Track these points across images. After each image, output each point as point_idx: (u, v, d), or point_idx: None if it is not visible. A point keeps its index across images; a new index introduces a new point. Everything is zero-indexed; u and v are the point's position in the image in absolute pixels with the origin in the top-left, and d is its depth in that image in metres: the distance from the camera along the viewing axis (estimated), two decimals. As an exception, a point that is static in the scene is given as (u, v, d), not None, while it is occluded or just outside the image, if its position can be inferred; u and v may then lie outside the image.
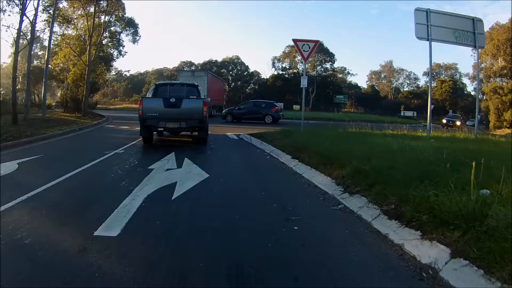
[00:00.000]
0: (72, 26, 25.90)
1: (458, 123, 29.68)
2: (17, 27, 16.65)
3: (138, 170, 6.64)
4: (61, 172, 5.99)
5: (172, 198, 4.70)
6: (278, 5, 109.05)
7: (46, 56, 19.92)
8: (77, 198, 4.69)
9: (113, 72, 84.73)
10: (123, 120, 23.61)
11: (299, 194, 5.32)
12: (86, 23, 24.96)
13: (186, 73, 33.89)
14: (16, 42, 16.23)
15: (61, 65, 30.22)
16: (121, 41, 32.82)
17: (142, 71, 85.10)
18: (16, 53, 16.08)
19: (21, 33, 19.02)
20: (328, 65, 73.24)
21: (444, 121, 32.36)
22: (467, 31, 12.26)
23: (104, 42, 28.94)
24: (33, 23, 18.78)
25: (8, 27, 20.15)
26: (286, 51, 73.56)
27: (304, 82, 11.95)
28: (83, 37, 25.83)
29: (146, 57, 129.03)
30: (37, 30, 22.92)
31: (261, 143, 10.48)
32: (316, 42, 12.56)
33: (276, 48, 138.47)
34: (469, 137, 11.79)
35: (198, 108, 9.60)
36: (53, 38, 25.78)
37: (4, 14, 17.72)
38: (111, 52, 29.48)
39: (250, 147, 10.55)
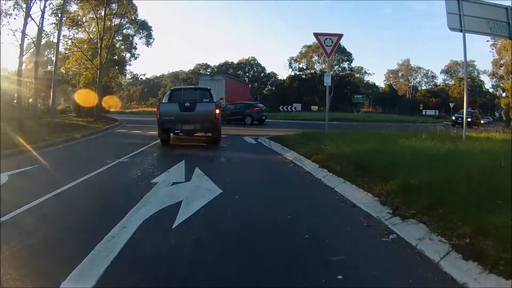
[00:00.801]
0: (82, 29, 25.41)
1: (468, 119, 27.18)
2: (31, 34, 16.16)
3: (139, 184, 5.65)
4: (49, 188, 5.10)
5: (173, 226, 3.64)
6: (292, 6, 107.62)
7: (54, 60, 19.25)
8: (55, 226, 3.71)
9: (128, 76, 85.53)
10: (136, 124, 23.07)
11: (335, 217, 4.20)
12: (96, 26, 24.43)
13: (206, 77, 34.66)
14: (21, 45, 15.61)
15: (74, 69, 29.85)
16: (134, 43, 32.17)
17: (158, 75, 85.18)
18: (20, 57, 15.47)
19: (29, 38, 18.55)
20: (345, 65, 71.71)
21: (453, 118, 29.53)
22: (501, 21, 10.87)
23: (117, 45, 28.33)
24: (40, 27, 18.24)
25: (15, 30, 19.44)
26: (303, 51, 72.38)
27: (327, 80, 10.83)
28: (94, 40, 25.32)
29: (161, 61, 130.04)
30: (45, 34, 22.61)
31: (282, 148, 9.37)
32: (340, 35, 11.41)
33: (292, 48, 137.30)
34: (507, 137, 10.41)
35: (211, 111, 10.22)
36: (63, 42, 25.38)
37: (10, 17, 17.10)
38: (124, 55, 28.82)
39: (270, 153, 9.44)
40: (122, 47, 28.90)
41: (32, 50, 49.92)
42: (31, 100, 49.72)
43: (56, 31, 23.75)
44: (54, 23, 20.60)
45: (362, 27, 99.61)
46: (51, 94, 19.36)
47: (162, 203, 4.48)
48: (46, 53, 47.08)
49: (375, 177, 5.01)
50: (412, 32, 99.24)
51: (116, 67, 28.00)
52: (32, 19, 17.43)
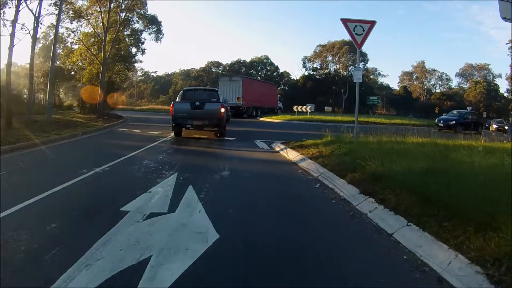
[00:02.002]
0: (86, 22, 23.89)
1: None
2: (29, 25, 14.59)
3: (101, 214, 3.88)
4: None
5: None
6: (306, 6, 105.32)
7: (51, 52, 17.71)
8: None
9: (139, 73, 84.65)
10: (140, 122, 21.69)
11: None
12: (101, 19, 22.91)
13: (225, 77, 34.93)
14: (11, 35, 14.07)
15: (80, 64, 28.43)
16: (141, 38, 30.69)
17: (169, 72, 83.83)
18: (11, 49, 13.96)
19: (26, 29, 17.06)
20: (361, 65, 69.36)
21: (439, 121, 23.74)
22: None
23: (123, 39, 26.81)
24: (36, 16, 16.71)
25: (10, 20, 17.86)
26: (317, 51, 70.57)
27: (358, 76, 8.92)
28: (99, 34, 23.83)
29: (173, 58, 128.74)
30: (49, 26, 21.05)
31: (303, 159, 7.47)
32: (372, 22, 9.46)
33: (306, 47, 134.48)
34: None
35: (218, 110, 11.69)
36: (66, 34, 23.91)
37: (5, 7, 15.58)
38: (130, 49, 27.21)
39: (287, 164, 7.54)
40: (127, 41, 27.31)
41: (40, 45, 49.02)
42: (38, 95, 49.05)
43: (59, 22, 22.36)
44: (54, 14, 18.97)
45: (376, 28, 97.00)
46: (48, 88, 17.86)
47: (118, 261, 2.70)
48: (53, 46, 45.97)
49: (460, 222, 3.14)
50: (426, 34, 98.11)
51: (122, 63, 26.30)
52: (27, 5, 15.92)
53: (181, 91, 13.65)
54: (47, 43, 48.43)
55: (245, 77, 34.62)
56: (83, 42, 23.89)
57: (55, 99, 44.99)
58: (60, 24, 22.63)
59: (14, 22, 14.31)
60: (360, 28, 9.42)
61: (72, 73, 34.74)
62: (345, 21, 9.33)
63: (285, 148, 8.84)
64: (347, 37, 76.44)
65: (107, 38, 22.96)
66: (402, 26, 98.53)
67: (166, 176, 5.79)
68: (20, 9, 15.08)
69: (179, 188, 4.98)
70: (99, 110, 22.46)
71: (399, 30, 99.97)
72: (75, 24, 24.29)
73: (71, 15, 22.20)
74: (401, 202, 3.94)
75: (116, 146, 10.05)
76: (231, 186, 5.38)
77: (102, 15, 22.62)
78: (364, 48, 67.63)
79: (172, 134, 12.35)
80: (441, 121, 23.16)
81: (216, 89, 13.84)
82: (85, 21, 23.99)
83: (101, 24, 23.10)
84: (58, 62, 39.69)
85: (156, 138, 11.75)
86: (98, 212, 3.98)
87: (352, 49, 67.16)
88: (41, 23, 19.21)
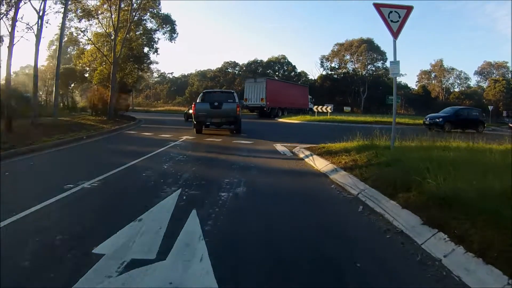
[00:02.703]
0: (97, 21, 23.10)
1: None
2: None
3: (59, 264, 2.70)
4: None
5: None
6: (322, 5, 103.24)
7: (57, 52, 16.90)
8: None
9: (155, 74, 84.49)
10: (153, 124, 20.97)
11: None
12: (111, 17, 22.07)
13: (250, 79, 36.87)
14: (11, 33, 13.24)
15: (93, 65, 27.75)
16: (154, 38, 29.88)
17: (186, 74, 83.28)
18: (10, 46, 13.13)
19: (29, 27, 16.30)
20: (379, 64, 67.69)
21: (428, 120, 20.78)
22: None
23: (134, 39, 25.97)
24: (41, 15, 15.92)
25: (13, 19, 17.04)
26: (335, 50, 68.89)
27: (395, 70, 7.51)
28: (111, 33, 23.03)
29: (189, 59, 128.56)
30: (48, 24, 20.24)
31: (334, 170, 6.10)
32: (409, 8, 8.12)
33: (323, 47, 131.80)
34: None
35: (233, 109, 13.05)
36: (75, 34, 23.18)
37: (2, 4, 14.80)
38: (142, 49, 26.30)
39: (314, 178, 6.05)
40: (139, 40, 26.43)
41: (54, 47, 48.97)
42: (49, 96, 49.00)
43: (67, 21, 21.64)
44: (60, 12, 18.14)
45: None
46: (54, 89, 17.05)
47: None
48: (69, 50, 46.29)
49: None
50: (442, 34, 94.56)
51: (134, 63, 25.40)
52: (30, 2, 15.12)
53: (201, 93, 14.93)
54: (62, 45, 48.48)
55: (269, 79, 36.36)
56: (92, 42, 23.10)
57: (68, 101, 44.82)
58: (68, 24, 22.02)
59: (13, 20, 13.49)
60: (395, 15, 8.16)
61: (86, 74, 34.19)
62: (378, 6, 8.03)
63: (311, 155, 7.53)
64: (365, 35, 75.26)
65: (118, 38, 22.13)
66: (418, 26, 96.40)
67: (166, 194, 4.61)
68: (20, 6, 14.29)
69: (179, 214, 3.80)
70: (110, 112, 21.63)
71: (415, 29, 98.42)
72: (84, 24, 23.59)
73: (80, 13, 21.39)
74: (489, 242, 2.63)
75: (118, 153, 9.00)
76: (247, 212, 4.09)
77: (113, 14, 21.80)
78: (383, 47, 65.66)
79: (184, 137, 11.66)
80: (428, 119, 20.58)
81: (232, 91, 15.38)
82: (95, 21, 23.27)
83: (111, 23, 22.30)
84: (70, 64, 39.56)
85: (165, 142, 10.68)
86: (57, 258, 2.80)
87: (371, 47, 65.45)
88: (47, 23, 18.51)
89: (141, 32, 26.91)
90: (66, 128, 14.79)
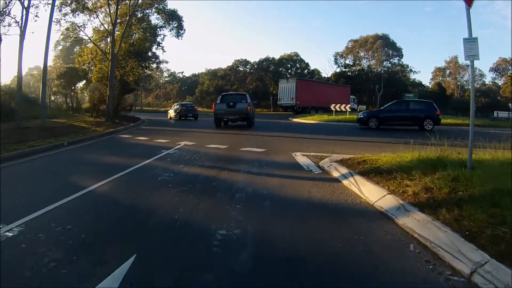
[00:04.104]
0: (95, 16, 21.15)
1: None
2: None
3: None
4: None
5: None
6: (334, 1, 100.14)
7: (44, 49, 14.94)
8: None
9: (165, 74, 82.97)
10: (156, 126, 19.44)
11: None
12: (109, 11, 20.09)
13: (283, 80, 38.64)
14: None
15: (95, 63, 25.90)
16: (160, 34, 27.92)
17: (196, 73, 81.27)
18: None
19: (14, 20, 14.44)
20: (395, 60, 64.78)
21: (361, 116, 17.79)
22: None
23: (135, 34, 24.01)
24: (26, 7, 14.03)
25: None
26: (349, 46, 66.00)
27: (473, 51, 5.09)
28: (108, 28, 21.13)
29: (200, 59, 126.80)
30: (37, 17, 18.32)
31: (402, 209, 3.63)
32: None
33: (337, 43, 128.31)
34: None
35: (245, 108, 15.88)
36: (70, 29, 21.28)
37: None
38: (144, 44, 24.24)
39: (371, 225, 3.53)
40: (140, 35, 24.39)
41: (60, 47, 47.69)
42: (52, 98, 47.80)
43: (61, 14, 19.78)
44: (48, 3, 16.16)
45: (404, 24, 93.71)
46: (41, 90, 15.12)
47: None
48: (76, 49, 45.02)
49: None
50: (455, 30, 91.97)
51: (135, 59, 23.34)
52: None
53: (220, 96, 17.31)
54: (67, 44, 47.10)
55: (299, 79, 38.16)
56: (88, 37, 21.24)
57: (73, 101, 43.37)
58: (63, 18, 20.16)
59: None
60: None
61: (90, 74, 32.55)
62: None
63: (351, 174, 5.19)
64: (380, 31, 72.64)
65: (118, 33, 20.21)
66: (430, 23, 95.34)
67: (105, 269, 2.43)
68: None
69: None
70: (109, 112, 19.68)
71: (428, 26, 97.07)
72: (81, 19, 21.77)
73: (73, 6, 19.45)
74: None
75: (87, 167, 6.83)
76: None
77: (111, 8, 19.82)
78: (399, 43, 63.28)
79: (183, 143, 9.87)
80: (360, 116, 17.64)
81: (245, 93, 18.52)
82: (93, 15, 21.31)
83: (110, 18, 20.34)
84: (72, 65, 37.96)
85: (157, 150, 8.60)
86: None
87: (386, 43, 62.46)
88: (36, 16, 16.66)
89: (144, 27, 24.87)
90: (52, 132, 12.94)
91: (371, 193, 4.32)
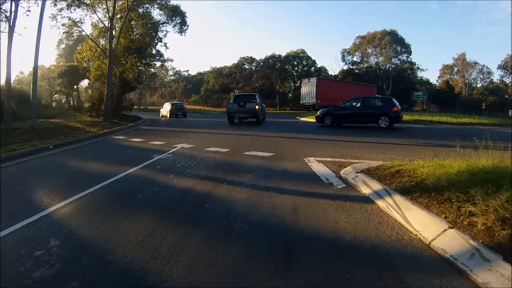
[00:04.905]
0: (92, 10, 20.04)
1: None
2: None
3: None
4: None
5: None
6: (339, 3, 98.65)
7: (35, 46, 13.85)
8: None
9: (170, 73, 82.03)
10: (156, 126, 18.46)
11: None
12: (107, 5, 19.00)
13: (305, 79, 39.46)
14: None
15: (94, 60, 24.86)
16: (162, 30, 26.91)
17: (202, 71, 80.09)
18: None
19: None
20: (404, 57, 63.26)
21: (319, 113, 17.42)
22: None
23: (135, 29, 22.93)
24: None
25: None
26: (357, 43, 64.52)
27: None
28: (106, 23, 20.07)
29: (205, 57, 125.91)
30: (29, 12, 17.24)
31: (484, 259, 2.38)
32: None
33: (345, 40, 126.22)
34: None
35: (254, 107, 17.31)
36: (67, 24, 20.21)
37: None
38: (142, 39, 23.09)
39: (426, 276, 2.45)
40: (139, 30, 23.30)
41: (63, 45, 46.84)
42: (56, 97, 47.00)
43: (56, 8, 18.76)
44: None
45: (410, 22, 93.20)
46: (31, 88, 14.06)
47: None
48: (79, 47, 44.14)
49: None
50: (461, 28, 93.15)
51: (135, 55, 22.19)
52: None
53: (233, 96, 19.85)
54: (70, 43, 46.24)
55: (320, 79, 39.28)
56: (85, 33, 20.19)
57: (74, 101, 42.54)
58: (59, 13, 19.16)
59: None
60: None
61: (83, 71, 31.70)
62: None
63: (387, 193, 3.93)
64: (388, 27, 71.14)
65: (117, 30, 19.15)
66: (436, 21, 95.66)
67: None
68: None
69: None
70: (107, 112, 18.64)
71: (434, 24, 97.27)
72: (79, 14, 20.77)
73: (69, 1, 18.40)
74: None
75: (61, 179, 5.63)
76: None
77: (108, 3, 18.72)
78: (407, 39, 62.12)
79: (179, 145, 9.04)
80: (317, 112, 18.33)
81: (255, 94, 19.61)
82: (91, 9, 20.21)
83: (108, 14, 19.25)
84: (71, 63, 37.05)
85: (149, 155, 7.53)
86: None
87: (395, 39, 60.93)
88: (28, 10, 15.65)
89: (145, 22, 23.77)
90: (40, 134, 11.89)
91: (422, 224, 3.09)
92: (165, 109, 28.52)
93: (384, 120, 14.86)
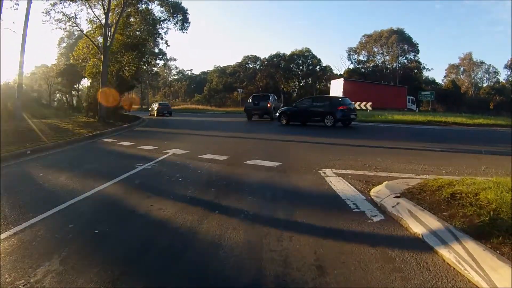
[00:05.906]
0: (88, 5, 18.91)
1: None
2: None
3: None
4: None
5: None
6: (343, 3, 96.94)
7: (21, 42, 12.73)
8: None
9: (173, 72, 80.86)
10: (152, 127, 17.44)
11: None
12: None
13: (334, 80, 42.25)
14: None
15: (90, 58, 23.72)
16: (163, 27, 25.75)
17: (205, 70, 78.86)
18: None
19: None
20: (411, 56, 62.03)
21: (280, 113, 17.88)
22: None
23: (133, 23, 21.78)
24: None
25: None
26: (363, 41, 63.20)
27: None
28: (101, 18, 18.90)
29: (209, 56, 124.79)
30: (17, 5, 16.02)
31: None
32: None
33: (350, 38, 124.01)
34: None
35: (266, 105, 20.13)
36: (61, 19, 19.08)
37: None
38: (139, 34, 21.91)
39: None
40: (136, 26, 22.11)
41: (64, 44, 45.88)
42: (58, 96, 46.01)
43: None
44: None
45: (414, 22, 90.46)
46: (17, 88, 12.91)
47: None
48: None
49: None
50: (465, 28, 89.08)
51: (133, 52, 20.97)
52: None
53: (251, 96, 22.28)
54: (71, 42, 45.21)
55: (346, 79, 41.89)
56: (79, 28, 19.06)
57: (73, 100, 41.49)
58: (52, 8, 18.07)
59: None
60: None
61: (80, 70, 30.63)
62: None
63: (453, 236, 2.58)
64: (395, 25, 69.54)
65: (110, 21, 17.97)
66: (440, 21, 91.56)
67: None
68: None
69: None
70: (101, 112, 17.50)
71: (438, 24, 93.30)
72: (74, 8, 19.62)
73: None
74: None
75: (12, 200, 4.42)
76: None
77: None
78: (415, 37, 60.86)
79: (171, 151, 8.10)
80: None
81: (269, 94, 22.52)
82: (86, 4, 19.07)
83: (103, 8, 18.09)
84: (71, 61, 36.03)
85: (131, 164, 6.35)
86: None
87: (401, 38, 59.66)
88: (17, 4, 14.63)
89: (143, 16, 22.59)
90: (23, 137, 10.73)
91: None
92: (153, 108, 32.79)
93: (329, 119, 15.06)
